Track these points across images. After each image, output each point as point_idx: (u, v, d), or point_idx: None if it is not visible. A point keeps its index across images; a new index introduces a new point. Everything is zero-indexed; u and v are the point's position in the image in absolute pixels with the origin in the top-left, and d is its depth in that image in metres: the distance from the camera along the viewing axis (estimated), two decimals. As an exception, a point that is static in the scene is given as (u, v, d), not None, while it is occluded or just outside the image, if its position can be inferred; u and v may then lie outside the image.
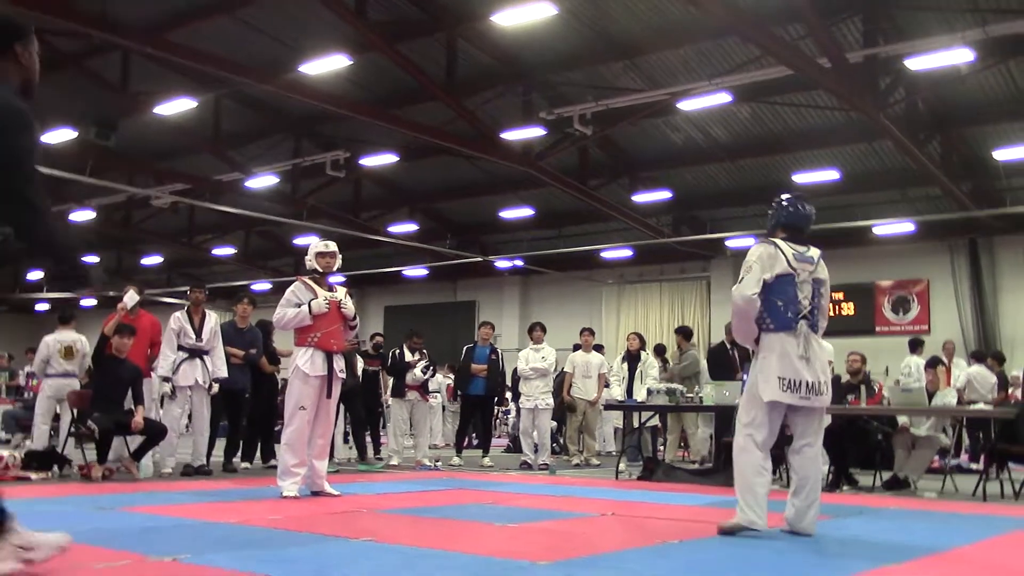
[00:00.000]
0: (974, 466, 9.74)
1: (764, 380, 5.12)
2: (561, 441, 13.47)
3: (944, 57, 12.85)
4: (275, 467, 7.94)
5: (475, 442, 13.39)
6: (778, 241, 5.39)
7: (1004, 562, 4.68)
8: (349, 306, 7.27)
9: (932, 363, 9.31)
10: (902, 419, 8.85)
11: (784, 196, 5.66)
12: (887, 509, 7.02)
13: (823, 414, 5.43)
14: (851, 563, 4.28)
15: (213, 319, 9.13)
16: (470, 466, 10.90)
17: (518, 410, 11.90)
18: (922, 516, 6.65)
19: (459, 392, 11.94)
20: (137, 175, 21.74)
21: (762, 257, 5.26)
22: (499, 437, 16.27)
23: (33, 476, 8.00)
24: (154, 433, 8.43)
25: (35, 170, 3.23)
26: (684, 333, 12.81)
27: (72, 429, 8.56)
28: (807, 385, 5.13)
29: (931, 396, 8.84)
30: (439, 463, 10.88)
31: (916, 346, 13.35)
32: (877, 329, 21.02)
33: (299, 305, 7.06)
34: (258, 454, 10.11)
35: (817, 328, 5.33)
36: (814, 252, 5.47)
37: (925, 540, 5.29)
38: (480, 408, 11.90)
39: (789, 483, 7.70)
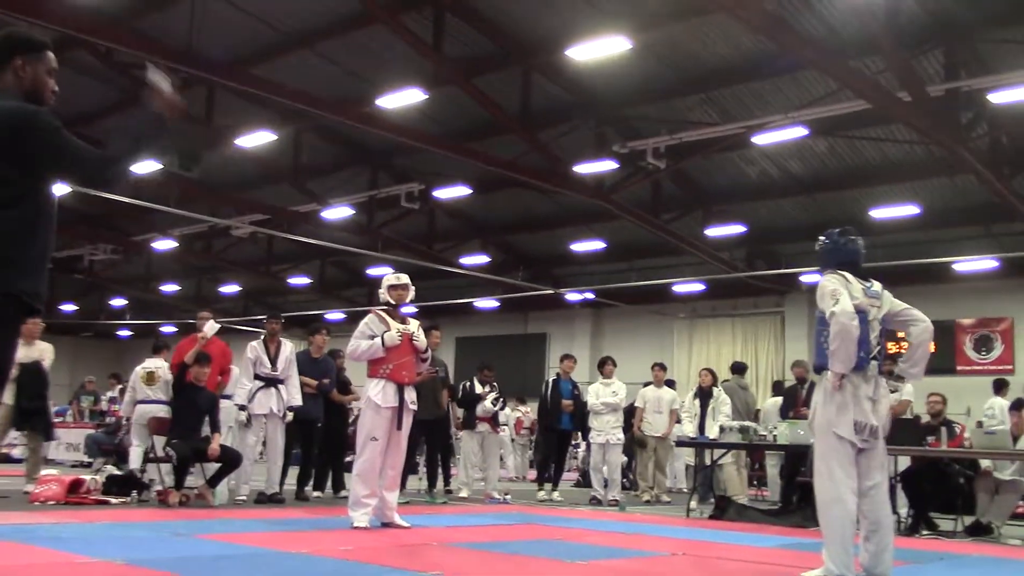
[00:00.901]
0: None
1: (841, 423, 4.98)
2: (631, 477, 13.34)
3: (1028, 91, 12.57)
4: (346, 497, 8.01)
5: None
6: (845, 274, 5.25)
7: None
8: (421, 339, 7.33)
9: (1017, 405, 9.01)
10: (985, 463, 8.58)
11: (833, 232, 5.51)
12: (969, 556, 6.80)
13: (884, 454, 5.26)
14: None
15: (288, 348, 9.27)
16: (554, 501, 10.86)
17: (588, 445, 11.83)
18: (1006, 564, 6.42)
19: (546, 426, 11.88)
20: (219, 206, 22.30)
21: (840, 285, 5.12)
22: (569, 471, 16.18)
23: (113, 500, 8.19)
24: (229, 460, 8.57)
25: (69, 147, 3.23)
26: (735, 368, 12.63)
27: (151, 455, 8.75)
28: (870, 429, 5.02)
29: (1016, 439, 8.56)
30: (508, 496, 10.86)
31: (1001, 387, 12.96)
32: (958, 368, 20.47)
33: (372, 337, 7.14)
34: (329, 483, 10.20)
35: (882, 369, 5.20)
36: (878, 286, 5.33)
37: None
38: (560, 445, 11.87)
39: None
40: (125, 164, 3.38)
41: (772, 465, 11.75)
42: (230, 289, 30.09)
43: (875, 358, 5.13)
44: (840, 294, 5.07)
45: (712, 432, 10.84)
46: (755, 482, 12.43)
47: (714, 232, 19.82)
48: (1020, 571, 6.04)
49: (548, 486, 11.48)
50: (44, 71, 3.45)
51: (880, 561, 5.02)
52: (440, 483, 11.25)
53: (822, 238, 5.54)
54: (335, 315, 27.80)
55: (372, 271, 24.55)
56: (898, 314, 5.33)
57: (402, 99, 14.44)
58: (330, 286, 27.86)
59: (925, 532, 8.51)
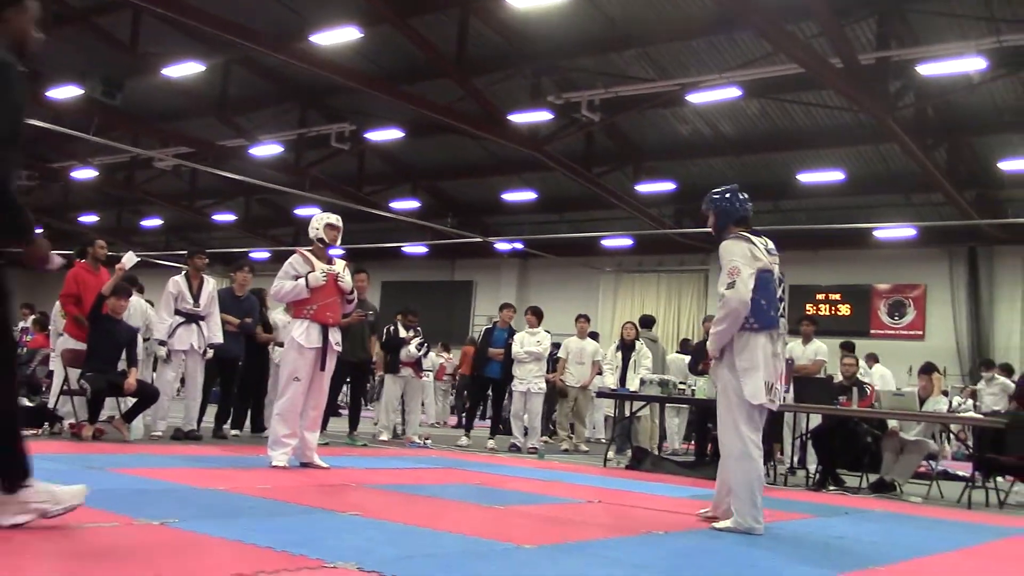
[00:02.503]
0: (960, 472, 9.78)
1: (751, 382, 5.08)
2: (552, 426, 13.51)
3: (956, 64, 12.85)
4: (265, 436, 7.96)
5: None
6: (749, 235, 5.31)
7: (984, 570, 4.70)
8: (347, 280, 7.26)
9: (926, 369, 9.32)
10: (892, 423, 8.87)
11: (725, 190, 5.53)
12: (872, 511, 7.05)
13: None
14: (833, 563, 4.30)
15: (211, 285, 9.13)
16: (477, 447, 10.92)
17: (510, 392, 11.93)
18: (907, 520, 6.68)
19: (475, 373, 11.94)
20: (141, 136, 21.71)
21: (745, 255, 5.19)
22: (487, 418, 16.31)
23: (24, 432, 8.00)
24: (146, 396, 8.43)
25: (15, 123, 3.36)
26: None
27: (64, 387, 8.57)
28: (773, 389, 5.16)
29: (923, 402, 8.86)
30: (428, 441, 10.91)
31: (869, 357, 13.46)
32: (872, 332, 21.05)
33: (297, 277, 7.05)
34: (248, 423, 10.11)
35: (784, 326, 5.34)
36: (771, 243, 5.41)
37: (908, 544, 5.32)
38: (494, 392, 11.92)
39: (775, 480, 7.76)
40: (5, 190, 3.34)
41: (671, 417, 12.04)
42: (152, 223, 29.44)
43: (782, 315, 5.25)
44: (739, 272, 5.11)
45: (633, 384, 11.00)
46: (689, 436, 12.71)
47: (644, 188, 19.97)
48: (918, 526, 6.29)
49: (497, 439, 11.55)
50: (29, 20, 3.60)
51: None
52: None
53: (716, 196, 5.48)
54: (260, 254, 27.43)
55: (299, 211, 24.24)
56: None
57: (337, 36, 14.19)
58: (255, 224, 27.43)
59: (832, 488, 8.80)
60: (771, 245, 5.39)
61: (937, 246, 20.24)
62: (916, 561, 4.62)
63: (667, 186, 19.75)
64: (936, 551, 5.01)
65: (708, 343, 5.32)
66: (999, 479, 8.63)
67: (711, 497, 5.55)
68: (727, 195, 5.48)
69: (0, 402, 3.52)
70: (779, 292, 5.31)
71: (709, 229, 5.55)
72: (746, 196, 5.51)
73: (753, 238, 5.31)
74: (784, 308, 5.36)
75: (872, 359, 11.00)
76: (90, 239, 9.42)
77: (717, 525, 5.09)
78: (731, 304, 5.09)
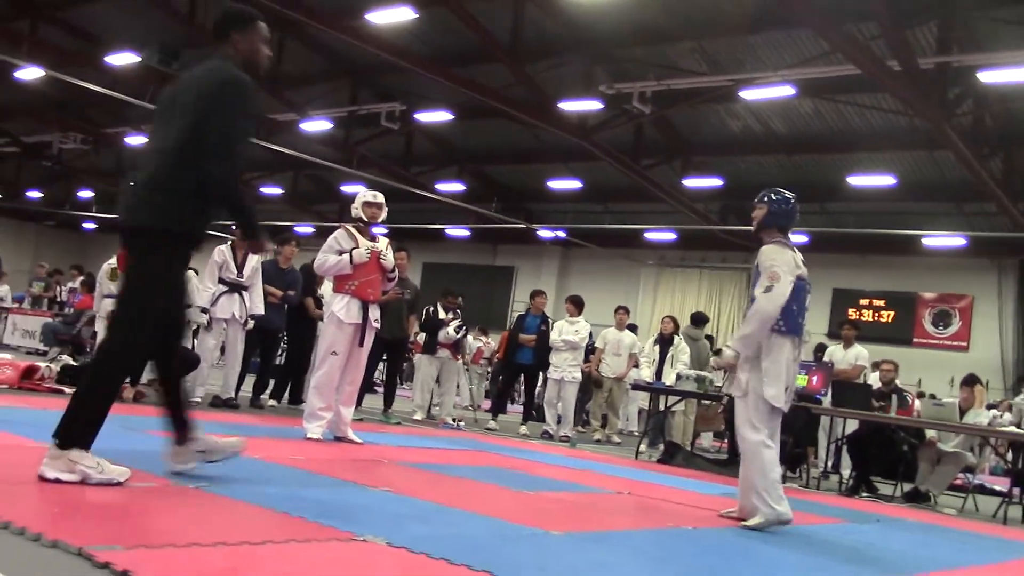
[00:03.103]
0: (997, 487, 9.65)
1: (773, 385, 5.14)
2: (585, 416, 13.51)
3: (1018, 73, 12.58)
4: (302, 409, 8.03)
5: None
6: (788, 242, 5.38)
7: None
8: (389, 258, 7.31)
9: (969, 381, 9.19)
10: (930, 433, 8.77)
11: (779, 192, 5.51)
12: (904, 520, 6.98)
13: None
14: (861, 568, 4.27)
15: (255, 257, 9.22)
16: (505, 431, 10.96)
17: (544, 379, 11.92)
18: (939, 531, 6.60)
19: (507, 358, 11.95)
20: (195, 106, 21.90)
21: (788, 262, 5.24)
22: (513, 405, 16.36)
23: (66, 390, 8.16)
24: (187, 362, 8.52)
25: (233, 133, 3.82)
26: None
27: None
28: (789, 391, 5.26)
29: (963, 413, 8.75)
30: (461, 423, 10.96)
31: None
32: (915, 340, 20.79)
33: (340, 253, 7.11)
34: (287, 394, 10.21)
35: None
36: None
37: (938, 556, 5.27)
38: (527, 378, 11.94)
39: (807, 483, 7.72)
40: (232, 190, 3.88)
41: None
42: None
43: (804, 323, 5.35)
44: (779, 278, 5.13)
45: (669, 379, 10.96)
46: (716, 433, 12.65)
47: (691, 183, 19.84)
48: (951, 538, 6.22)
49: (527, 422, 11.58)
50: (258, 42, 4.04)
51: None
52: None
53: (775, 196, 5.47)
54: (305, 228, 27.65)
55: (346, 187, 24.38)
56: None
57: (392, 16, 14.21)
58: (302, 199, 27.64)
59: (865, 494, 8.72)
60: (801, 256, 5.40)
61: (987, 257, 19.92)
62: (945, 573, 4.57)
63: (714, 182, 19.61)
64: (967, 565, 4.95)
65: (735, 343, 5.33)
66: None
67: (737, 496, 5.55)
68: (787, 199, 5.49)
69: (101, 378, 3.83)
70: (807, 301, 5.35)
71: (752, 224, 5.52)
72: (797, 206, 5.51)
73: (791, 244, 5.37)
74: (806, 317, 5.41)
75: (849, 341, 10.61)
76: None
77: (748, 523, 5.09)
78: (767, 309, 5.13)
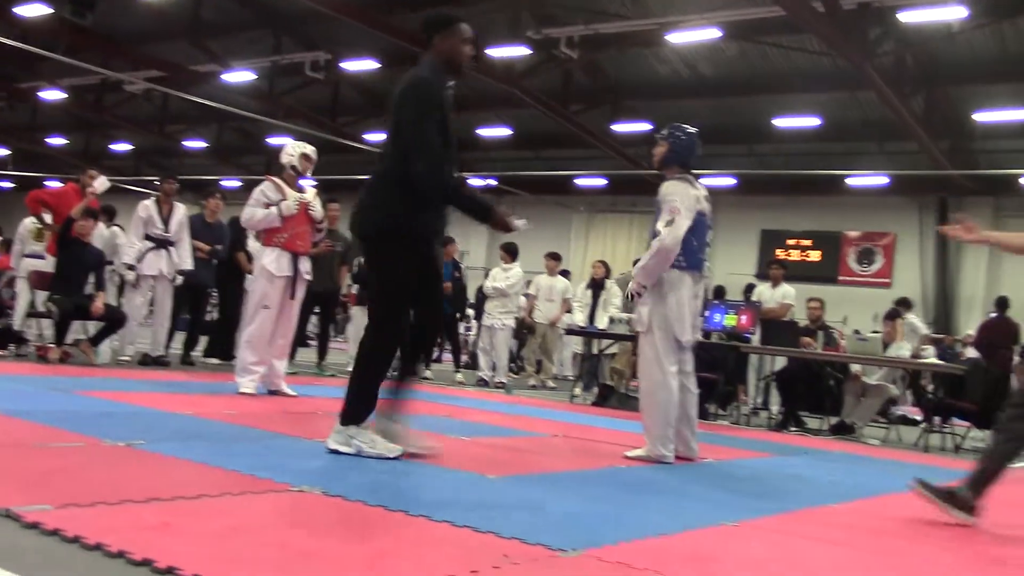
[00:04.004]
0: (918, 417, 9.98)
1: (678, 319, 5.23)
2: (519, 362, 13.61)
3: (937, 13, 12.80)
4: (234, 364, 7.96)
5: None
6: (690, 178, 5.40)
7: (932, 507, 4.82)
8: (318, 208, 7.24)
9: (890, 315, 9.45)
10: (855, 367, 9.02)
11: (679, 127, 5.55)
12: (831, 452, 7.20)
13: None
14: (788, 499, 4.41)
15: (181, 211, 9.05)
16: (440, 380, 10.98)
17: (478, 327, 11.96)
18: (863, 461, 6.83)
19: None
20: (111, 58, 21.28)
21: (687, 197, 5.27)
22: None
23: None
24: (114, 320, 8.40)
25: (422, 132, 4.09)
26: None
27: (31, 309, 8.52)
28: (693, 325, 5.36)
29: (886, 347, 9.00)
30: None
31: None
32: (840, 278, 21.26)
33: (268, 205, 7.01)
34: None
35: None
36: (705, 190, 5.48)
37: (863, 484, 5.46)
38: (446, 325, 11.94)
39: (738, 420, 7.88)
40: (447, 189, 4.22)
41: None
42: (121, 147, 29.02)
43: (706, 259, 5.45)
44: (679, 212, 5.17)
45: (601, 323, 11.08)
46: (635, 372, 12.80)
47: (620, 128, 19.90)
48: (875, 467, 6.44)
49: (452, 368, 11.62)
50: (458, 42, 4.26)
51: (690, 446, 5.41)
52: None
53: (675, 132, 5.50)
54: (231, 182, 27.14)
55: (272, 140, 23.95)
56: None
57: (313, -39, 13.90)
58: (227, 151, 27.12)
59: (793, 428, 8.96)
60: (705, 190, 5.44)
61: (908, 195, 20.38)
62: (869, 500, 4.74)
63: (644, 127, 19.68)
64: (889, 491, 5.13)
65: (636, 275, 5.39)
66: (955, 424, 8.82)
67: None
68: (687, 134, 5.51)
69: (368, 362, 4.28)
70: (710, 234, 5.42)
71: (654, 161, 5.55)
72: (698, 141, 5.54)
73: (692, 180, 5.40)
74: (707, 252, 5.50)
75: (777, 280, 10.83)
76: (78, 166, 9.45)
77: (629, 454, 5.23)
78: (666, 243, 5.17)
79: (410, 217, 4.15)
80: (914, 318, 14.53)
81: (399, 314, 4.27)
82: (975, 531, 3.94)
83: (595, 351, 10.96)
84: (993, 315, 12.34)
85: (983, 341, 11.13)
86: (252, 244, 10.05)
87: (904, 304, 13.91)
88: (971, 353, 13.04)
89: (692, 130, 5.55)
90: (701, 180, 5.52)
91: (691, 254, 5.27)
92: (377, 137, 22.72)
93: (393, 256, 4.19)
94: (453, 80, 4.33)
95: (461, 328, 13.57)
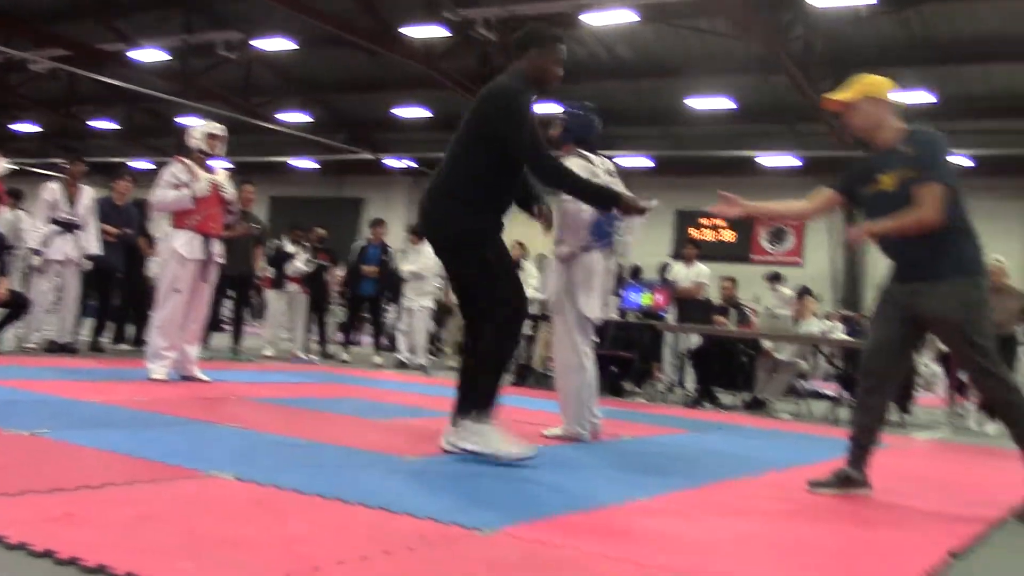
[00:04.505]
0: (829, 391, 10.25)
1: (587, 296, 5.24)
2: (438, 344, 13.58)
3: (845, -2, 13.07)
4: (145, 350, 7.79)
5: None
6: (587, 154, 5.40)
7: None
8: (229, 189, 7.12)
9: (800, 293, 9.68)
10: (766, 344, 9.22)
11: (573, 106, 5.59)
12: (744, 427, 7.35)
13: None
14: (702, 473, 4.49)
15: (89, 194, 8.79)
16: (359, 363, 10.91)
17: (398, 310, 11.91)
18: (774, 435, 6.99)
19: (350, 291, 11.88)
20: (14, 36, 20.51)
21: (585, 172, 5.15)
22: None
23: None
24: (18, 306, 8.12)
25: (528, 133, 4.14)
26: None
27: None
28: (605, 303, 5.40)
29: (796, 323, 9.22)
30: (315, 357, 10.86)
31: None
32: (753, 257, 21.68)
33: (178, 187, 6.85)
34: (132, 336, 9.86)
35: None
36: (611, 164, 5.50)
37: (774, 457, 5.58)
38: (371, 308, 11.89)
39: (654, 397, 7.98)
40: (565, 180, 4.33)
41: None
42: (27, 128, 28.04)
43: (619, 234, 5.40)
44: None
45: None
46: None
47: (540, 109, 19.91)
48: (786, 441, 6.60)
49: (376, 352, 11.53)
50: (552, 61, 4.37)
51: (595, 425, 5.40)
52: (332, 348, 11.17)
53: (570, 110, 5.54)
54: (142, 164, 26.48)
55: (183, 120, 23.39)
56: None
57: (223, -62, 13.58)
58: (137, 133, 26.43)
59: (708, 405, 9.13)
60: (611, 166, 5.48)
61: (818, 176, 20.77)
62: (781, 472, 4.86)
63: (561, 109, 19.72)
64: (801, 463, 5.26)
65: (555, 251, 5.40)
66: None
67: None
68: (590, 111, 5.55)
69: (493, 353, 4.22)
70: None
71: (604, 154, 5.59)
72: (596, 118, 5.56)
73: (593, 157, 5.39)
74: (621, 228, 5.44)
75: (691, 259, 11.01)
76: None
77: (546, 432, 5.28)
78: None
79: (480, 221, 4.27)
80: (784, 289, 14.86)
81: (512, 291, 4.28)
82: (872, 499, 4.08)
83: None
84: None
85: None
86: (162, 227, 9.85)
87: (776, 279, 14.32)
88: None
89: (589, 105, 5.58)
90: (616, 159, 5.54)
91: (598, 230, 5.27)
92: (292, 117, 22.40)
93: (477, 253, 4.24)
94: (537, 96, 4.39)
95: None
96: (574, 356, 5.28)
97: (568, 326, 5.32)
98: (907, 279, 4.03)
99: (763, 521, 3.44)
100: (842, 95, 4.19)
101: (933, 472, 5.87)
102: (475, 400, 4.18)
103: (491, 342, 4.23)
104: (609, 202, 4.42)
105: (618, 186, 5.35)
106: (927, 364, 16.24)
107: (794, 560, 2.86)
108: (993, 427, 8.68)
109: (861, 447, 4.16)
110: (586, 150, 5.44)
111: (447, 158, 4.33)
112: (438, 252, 4.40)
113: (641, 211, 4.43)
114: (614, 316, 5.52)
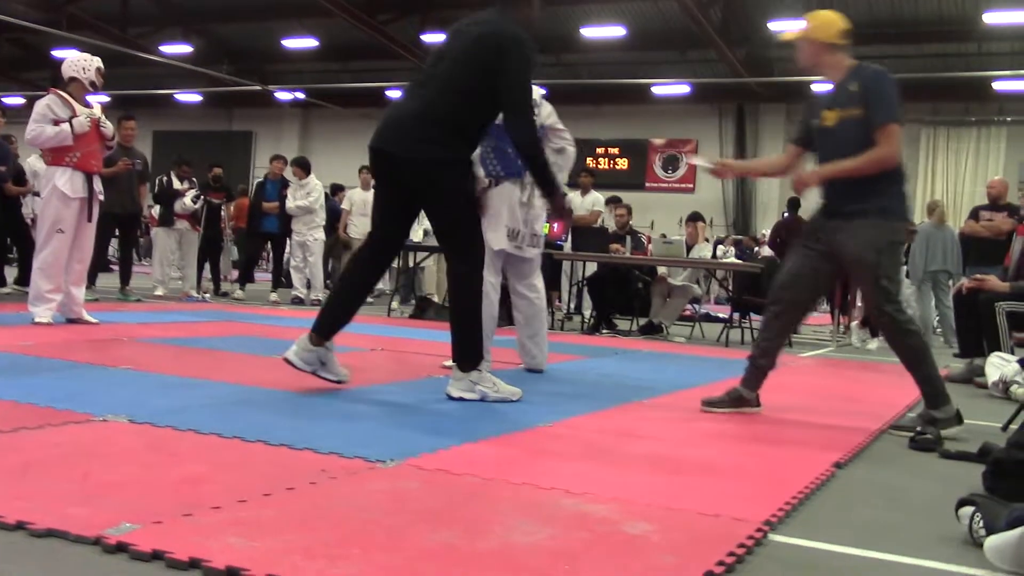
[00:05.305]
0: (720, 314, 10.54)
1: (493, 229, 5.21)
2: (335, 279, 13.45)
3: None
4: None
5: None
6: None
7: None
8: (109, 125, 6.84)
9: (691, 218, 9.85)
10: (661, 269, 9.39)
11: None
12: (640, 351, 7.51)
13: (539, 259, 5.62)
14: (602, 398, 4.58)
15: (-46, 131, 8.34)
16: (254, 300, 10.72)
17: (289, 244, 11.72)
18: (670, 358, 7.17)
19: (251, 228, 11.63)
20: None
21: None
22: (267, 271, 16.04)
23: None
24: None
25: (527, 90, 4.16)
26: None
27: None
28: (523, 236, 5.35)
29: (689, 249, 9.40)
30: (207, 295, 10.64)
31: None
32: (647, 185, 21.96)
33: (56, 122, 6.54)
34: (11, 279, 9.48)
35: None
36: (537, 95, 5.46)
37: (670, 379, 5.72)
38: (273, 245, 11.68)
39: (552, 325, 8.04)
40: (535, 148, 4.22)
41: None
42: None
43: None
44: None
45: (416, 236, 11.03)
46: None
47: (430, 39, 19.62)
48: (681, 364, 6.77)
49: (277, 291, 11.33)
50: (535, 11, 4.50)
51: (536, 356, 5.49)
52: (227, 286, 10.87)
53: None
54: (13, 99, 25.20)
55: (57, 52, 22.28)
56: (556, 131, 5.54)
57: None
58: (7, 66, 25.11)
59: (605, 331, 9.28)
60: (536, 96, 5.42)
61: (709, 103, 21.13)
62: (676, 394, 4.99)
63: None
64: (694, 384, 5.41)
65: None
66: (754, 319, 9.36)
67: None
68: None
69: (469, 299, 4.19)
70: None
71: None
72: None
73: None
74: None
75: (586, 188, 11.15)
76: None
77: (447, 363, 5.30)
78: None
79: (465, 153, 4.18)
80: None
81: (480, 237, 4.22)
82: (761, 416, 4.24)
83: (411, 264, 10.94)
84: (786, 215, 13.06)
85: (777, 240, 11.77)
86: (32, 164, 9.43)
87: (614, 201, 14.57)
88: (766, 252, 13.80)
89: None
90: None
91: (505, 161, 5.26)
92: (174, 49, 21.57)
93: (462, 183, 4.18)
94: None
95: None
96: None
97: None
98: (832, 216, 4.10)
99: (658, 443, 3.53)
100: (788, 34, 4.20)
101: (819, 388, 6.10)
102: (474, 354, 4.18)
103: (469, 293, 4.20)
104: (549, 193, 4.34)
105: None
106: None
107: (686, 479, 2.95)
108: (875, 343, 9.07)
109: (757, 368, 4.30)
110: None
111: (434, 83, 4.15)
112: (412, 176, 4.13)
113: (564, 217, 4.51)
114: (531, 249, 5.42)
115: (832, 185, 4.09)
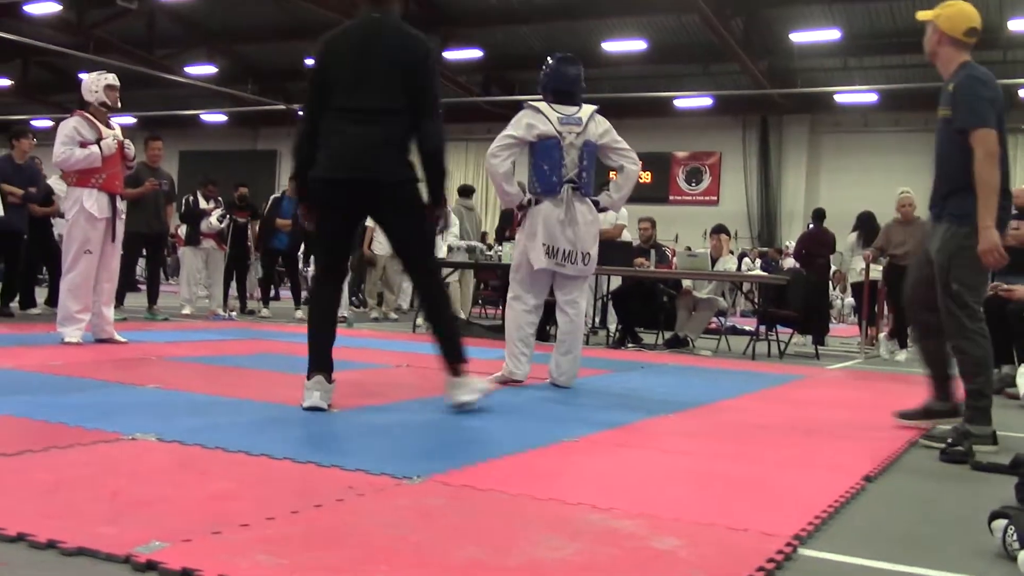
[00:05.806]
0: (747, 327, 10.48)
1: (532, 248, 5.30)
2: (361, 296, 13.48)
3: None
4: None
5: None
6: (541, 105, 5.42)
7: (759, 410, 5.09)
8: (130, 145, 6.92)
9: (715, 230, 9.81)
10: (686, 282, 9.36)
11: (550, 58, 5.65)
12: (666, 365, 7.48)
13: (586, 279, 5.67)
14: (627, 412, 4.56)
15: (-15, 154, 8.45)
16: (280, 318, 10.77)
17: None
18: (694, 371, 7.13)
19: (264, 246, 11.69)
20: None
21: (520, 120, 5.34)
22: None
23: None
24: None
25: (439, 99, 4.30)
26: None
27: None
28: (563, 253, 5.32)
29: (714, 262, 9.37)
30: (233, 313, 10.70)
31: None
32: (671, 198, 21.91)
33: (83, 144, 6.62)
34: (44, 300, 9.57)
35: (587, 192, 5.43)
36: (584, 113, 5.45)
37: (696, 393, 5.69)
38: (286, 263, 11.73)
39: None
40: (441, 148, 4.27)
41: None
42: (-86, 87, 26.76)
43: (571, 181, 5.33)
44: (500, 140, 5.29)
45: (440, 251, 11.05)
46: (479, 301, 12.93)
47: (452, 55, 19.72)
48: (707, 377, 6.73)
49: (298, 307, 11.38)
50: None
51: (565, 373, 5.50)
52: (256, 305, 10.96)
53: (545, 63, 5.65)
54: (41, 122, 25.52)
55: (85, 75, 22.57)
56: (614, 149, 5.53)
57: None
58: (35, 89, 25.41)
59: (630, 345, 9.25)
60: (579, 115, 5.42)
61: (732, 115, 21.08)
62: (702, 408, 4.96)
63: (475, 53, 19.58)
64: (721, 398, 5.38)
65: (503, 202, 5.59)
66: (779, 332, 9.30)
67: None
68: (556, 61, 5.58)
69: (449, 303, 4.40)
70: (569, 158, 5.32)
71: (518, 98, 5.66)
72: (567, 67, 5.56)
73: (543, 107, 5.39)
74: (583, 174, 5.42)
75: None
76: None
77: (494, 377, 5.33)
78: (488, 160, 5.36)
79: (416, 171, 4.25)
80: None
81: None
82: (790, 429, 4.20)
83: (436, 280, 10.94)
84: (811, 226, 12.99)
85: (802, 251, 11.70)
86: (56, 185, 9.54)
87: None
88: (791, 263, 13.72)
89: (559, 56, 5.61)
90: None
91: (543, 179, 5.29)
92: (199, 70, 21.78)
93: (421, 202, 4.26)
94: None
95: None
96: (514, 302, 5.47)
97: (515, 271, 5.49)
98: (933, 217, 4.14)
99: (685, 457, 3.51)
100: (922, 14, 4.15)
101: (848, 400, 6.05)
102: (460, 354, 4.25)
103: (444, 299, 4.36)
104: (433, 197, 4.31)
105: (572, 134, 5.31)
106: (840, 297, 16.70)
107: (714, 493, 2.93)
108: (903, 355, 8.98)
109: (936, 379, 4.31)
110: (566, 100, 5.45)
111: (381, 108, 4.15)
112: (385, 201, 4.16)
113: (433, 219, 4.38)
114: (572, 266, 5.42)
115: (934, 188, 4.12)
